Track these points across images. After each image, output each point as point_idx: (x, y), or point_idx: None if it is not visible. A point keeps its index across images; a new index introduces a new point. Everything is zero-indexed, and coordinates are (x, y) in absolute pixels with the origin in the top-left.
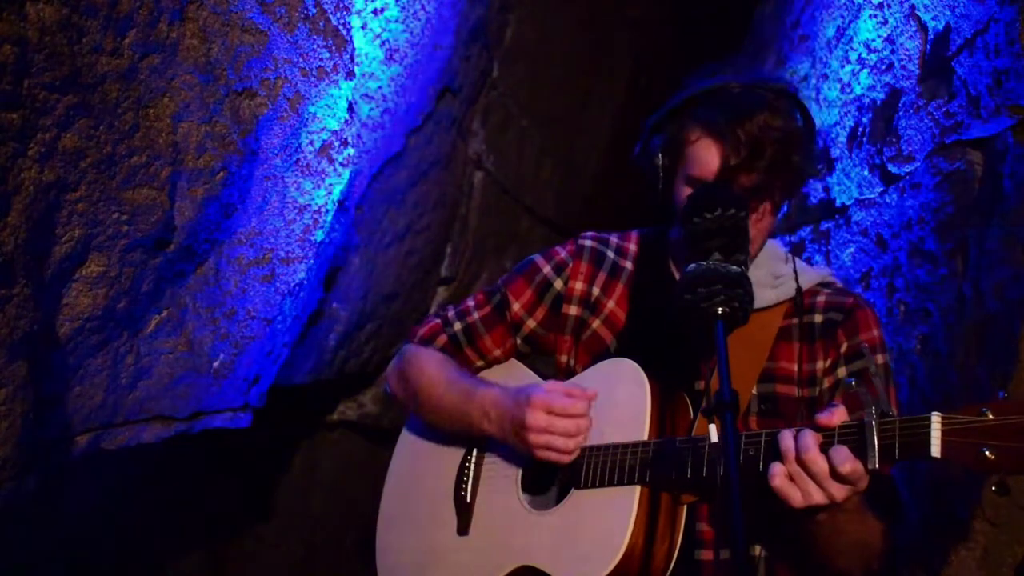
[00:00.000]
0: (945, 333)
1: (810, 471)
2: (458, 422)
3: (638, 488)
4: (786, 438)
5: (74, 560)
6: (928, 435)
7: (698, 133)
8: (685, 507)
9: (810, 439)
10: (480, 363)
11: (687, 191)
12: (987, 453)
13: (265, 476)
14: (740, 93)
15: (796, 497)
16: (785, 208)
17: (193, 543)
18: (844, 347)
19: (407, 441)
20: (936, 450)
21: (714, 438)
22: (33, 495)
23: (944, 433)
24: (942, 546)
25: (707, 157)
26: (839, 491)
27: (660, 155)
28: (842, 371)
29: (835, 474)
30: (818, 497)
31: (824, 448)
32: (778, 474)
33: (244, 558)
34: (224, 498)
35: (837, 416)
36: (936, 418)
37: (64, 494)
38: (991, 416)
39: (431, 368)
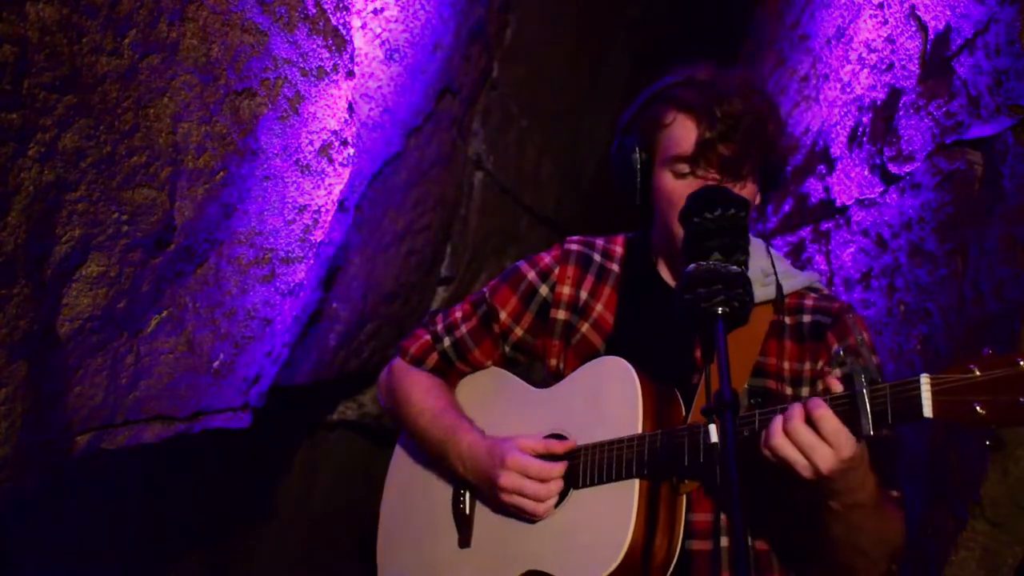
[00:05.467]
0: (945, 333)
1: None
2: (436, 456)
3: (637, 482)
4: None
5: (74, 560)
6: (919, 396)
7: (673, 114)
8: (684, 498)
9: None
10: (471, 371)
11: (667, 176)
12: (978, 408)
13: (265, 476)
14: (709, 79)
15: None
16: (787, 208)
17: (193, 543)
18: (835, 348)
19: (402, 454)
20: (928, 410)
21: (713, 438)
22: (33, 495)
23: (935, 393)
24: (942, 546)
25: (684, 134)
26: (824, 458)
27: (637, 150)
28: (836, 372)
29: (815, 427)
30: (812, 458)
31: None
32: (776, 432)
33: (244, 558)
34: (224, 498)
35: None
36: (925, 379)
37: (64, 494)
38: (978, 372)
39: (416, 396)
